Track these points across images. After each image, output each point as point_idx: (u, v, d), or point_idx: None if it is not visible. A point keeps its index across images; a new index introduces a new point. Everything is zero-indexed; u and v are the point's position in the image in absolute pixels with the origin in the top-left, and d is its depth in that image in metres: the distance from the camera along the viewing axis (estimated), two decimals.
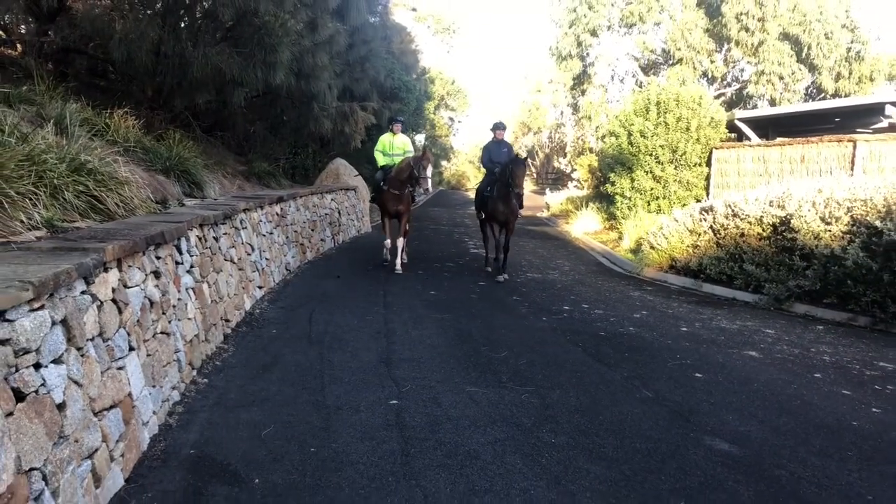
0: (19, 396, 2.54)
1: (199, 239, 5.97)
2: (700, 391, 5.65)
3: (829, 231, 9.73)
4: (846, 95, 27.29)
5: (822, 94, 29.32)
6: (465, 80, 77.00)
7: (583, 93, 32.13)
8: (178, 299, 5.01)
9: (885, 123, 16.37)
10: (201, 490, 3.42)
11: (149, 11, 10.68)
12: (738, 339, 7.83)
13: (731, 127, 18.13)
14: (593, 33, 28.98)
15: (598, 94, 31.64)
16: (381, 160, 11.64)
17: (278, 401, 4.77)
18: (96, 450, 3.11)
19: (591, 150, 32.31)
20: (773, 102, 26.96)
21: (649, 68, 31.74)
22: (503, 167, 10.68)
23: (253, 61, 10.51)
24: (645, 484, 3.81)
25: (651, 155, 17.80)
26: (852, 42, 29.21)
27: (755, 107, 27.29)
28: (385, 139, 11.72)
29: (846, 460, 4.33)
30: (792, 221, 10.23)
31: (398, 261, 11.00)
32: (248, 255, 7.90)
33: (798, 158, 14.08)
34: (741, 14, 25.47)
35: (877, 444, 4.65)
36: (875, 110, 14.23)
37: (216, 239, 6.56)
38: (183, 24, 10.43)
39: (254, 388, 5.01)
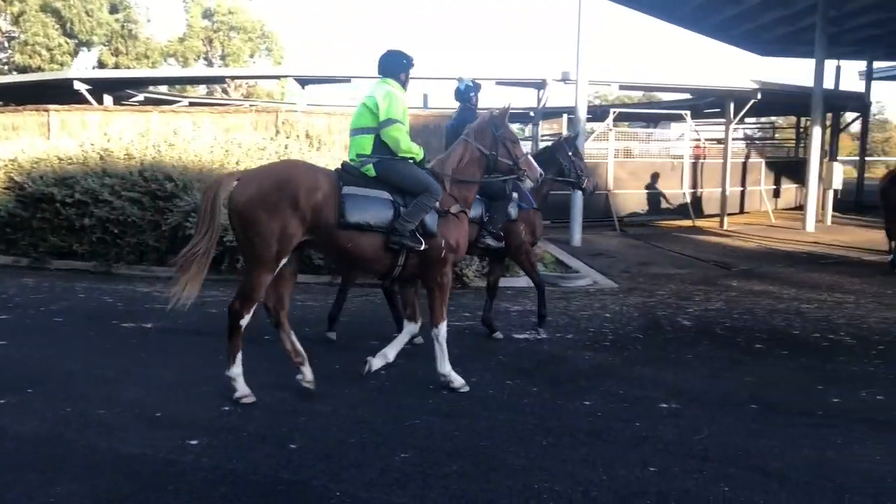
0: None
1: None
2: None
3: None
4: (128, 68, 31.68)
5: (104, 66, 32.81)
6: None
7: None
8: None
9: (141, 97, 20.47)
10: None
11: None
12: None
13: None
14: None
15: None
16: (414, 146, 5.22)
17: None
18: None
19: None
20: (40, 70, 29.25)
21: None
22: None
23: None
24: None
25: None
26: (126, 21, 33.51)
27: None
28: (401, 97, 5.31)
29: None
30: None
31: None
32: None
33: (12, 126, 15.66)
34: None
35: None
36: (66, 86, 17.28)
37: None
38: None
39: None
